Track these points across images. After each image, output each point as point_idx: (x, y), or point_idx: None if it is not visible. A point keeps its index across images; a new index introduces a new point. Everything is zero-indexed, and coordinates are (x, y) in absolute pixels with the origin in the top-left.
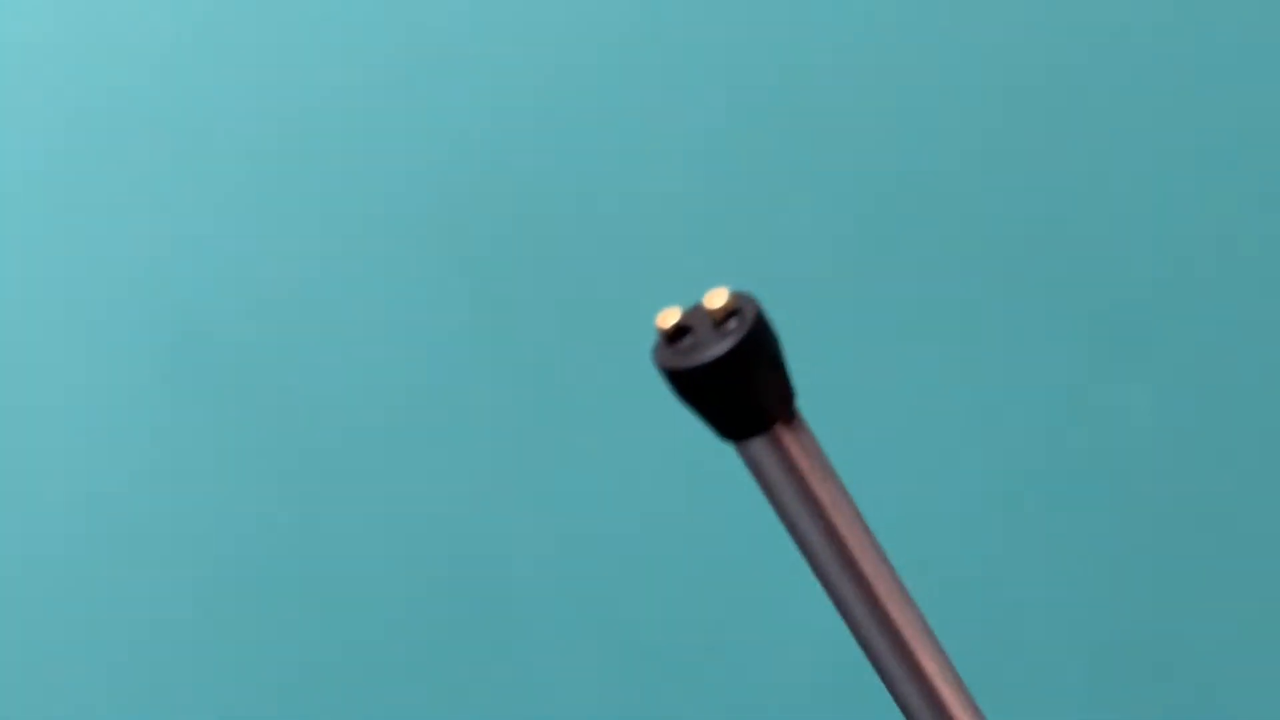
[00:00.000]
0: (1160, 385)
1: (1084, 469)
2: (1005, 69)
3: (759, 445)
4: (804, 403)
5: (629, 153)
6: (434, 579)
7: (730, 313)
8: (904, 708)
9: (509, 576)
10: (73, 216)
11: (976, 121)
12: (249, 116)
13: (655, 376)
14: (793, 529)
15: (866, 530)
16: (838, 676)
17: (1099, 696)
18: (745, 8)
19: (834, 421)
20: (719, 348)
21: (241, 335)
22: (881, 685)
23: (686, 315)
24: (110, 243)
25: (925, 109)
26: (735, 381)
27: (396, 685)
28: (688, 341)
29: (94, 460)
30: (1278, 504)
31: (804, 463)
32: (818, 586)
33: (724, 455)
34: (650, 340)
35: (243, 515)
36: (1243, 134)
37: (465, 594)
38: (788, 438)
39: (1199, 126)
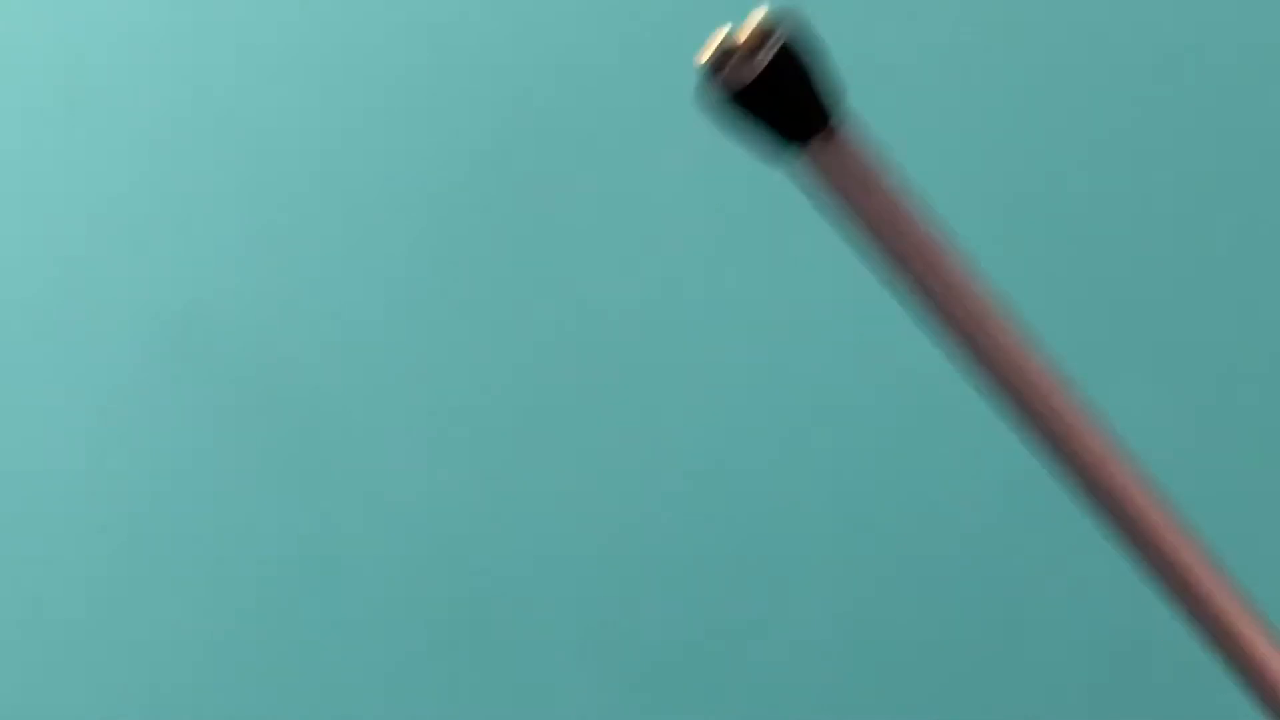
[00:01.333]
0: (1160, 385)
1: None
2: (1005, 64)
3: (818, 152)
4: (804, 397)
5: (628, 153)
6: (434, 579)
7: (764, 35)
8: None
9: (508, 576)
10: (73, 216)
11: (977, 120)
12: (249, 116)
13: (656, 375)
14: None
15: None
16: (839, 678)
17: (1099, 696)
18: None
19: (833, 420)
20: (748, 72)
21: (241, 335)
22: (882, 687)
23: (724, 44)
24: (110, 243)
25: (923, 103)
26: (779, 90)
27: (396, 685)
28: (728, 68)
29: (94, 460)
30: (1277, 503)
31: (868, 166)
32: (817, 587)
33: (724, 456)
34: (649, 337)
35: (242, 515)
36: (1243, 134)
37: (465, 594)
38: (844, 142)
39: (1200, 126)
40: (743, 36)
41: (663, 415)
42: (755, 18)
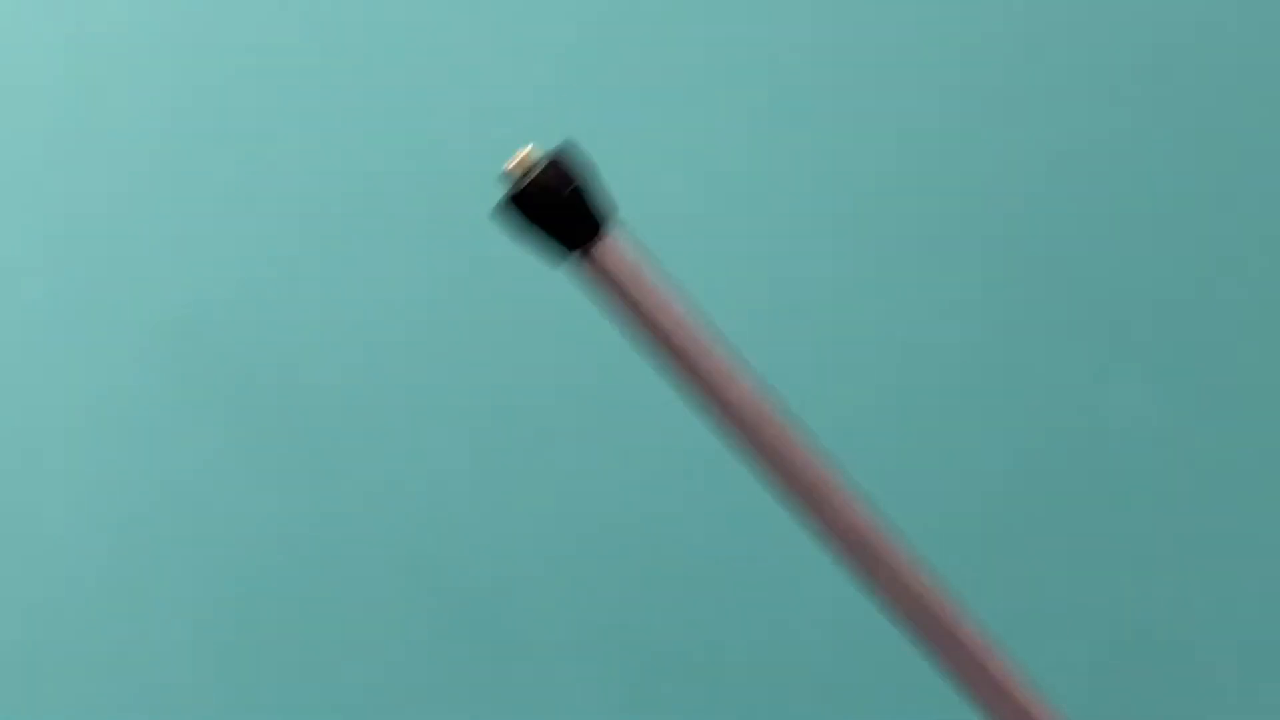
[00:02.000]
0: (1160, 385)
1: (1081, 468)
2: (1005, 66)
3: (582, 264)
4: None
5: (624, 152)
6: (433, 578)
7: (542, 156)
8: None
9: (509, 576)
10: (71, 217)
11: (977, 120)
12: (248, 117)
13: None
14: (645, 348)
15: (714, 337)
16: (840, 679)
17: (1098, 697)
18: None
19: (831, 419)
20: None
21: (241, 336)
22: (883, 688)
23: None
24: (108, 244)
25: (926, 106)
26: (533, 211)
27: (396, 685)
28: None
29: (93, 461)
30: (1275, 504)
31: (625, 273)
32: (818, 587)
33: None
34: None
35: (242, 515)
36: (1242, 134)
37: (463, 593)
38: (607, 254)
39: (1198, 127)
40: (527, 156)
41: (662, 415)
42: (531, 148)
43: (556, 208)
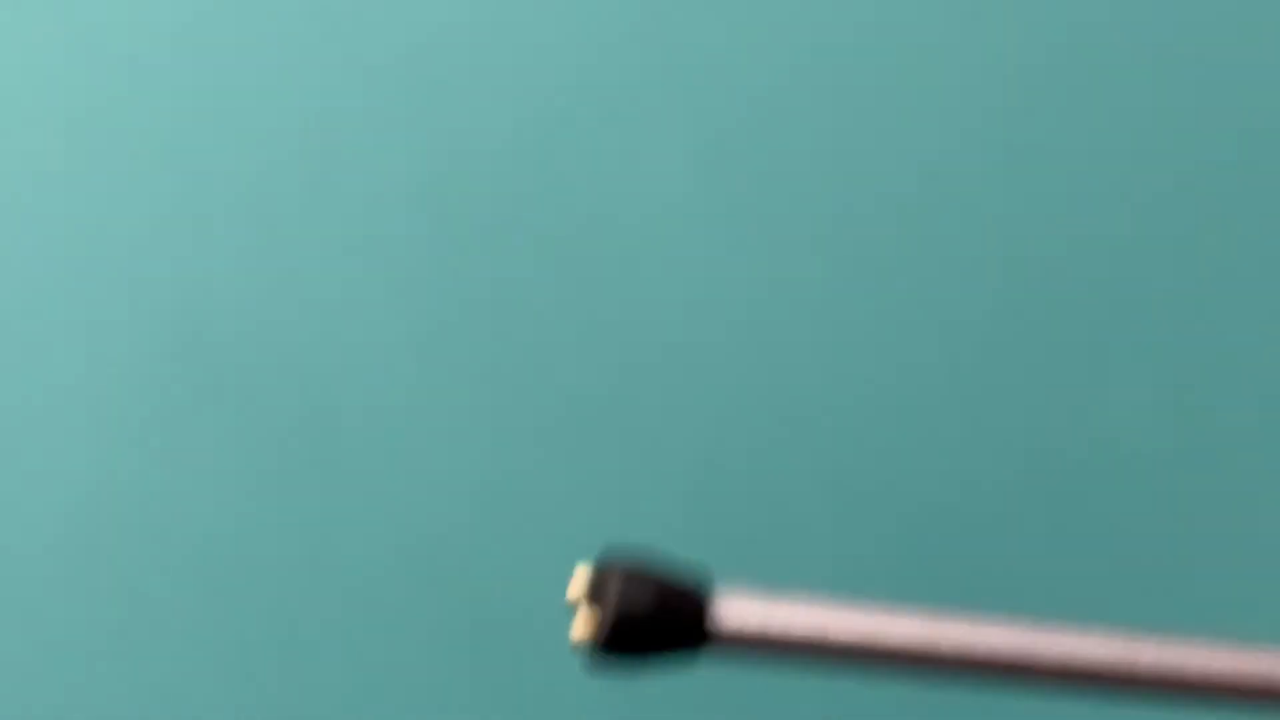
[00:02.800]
0: (1160, 385)
1: (1080, 468)
2: (1003, 67)
3: (716, 648)
4: (808, 402)
5: (623, 150)
6: (433, 578)
7: (594, 592)
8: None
9: (508, 576)
10: (72, 217)
11: (975, 121)
12: (248, 116)
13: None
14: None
15: (862, 613)
16: (839, 681)
17: (1097, 698)
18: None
19: (827, 418)
20: (596, 632)
21: (241, 336)
22: (882, 689)
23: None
24: (109, 243)
25: (923, 108)
26: (630, 647)
27: (395, 685)
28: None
29: (92, 462)
30: (1275, 504)
31: (769, 627)
32: (818, 586)
33: (722, 456)
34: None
35: (242, 516)
36: (1242, 134)
37: (464, 593)
38: (729, 633)
39: (1198, 126)
40: (580, 594)
41: (662, 413)
42: (581, 576)
43: (648, 639)
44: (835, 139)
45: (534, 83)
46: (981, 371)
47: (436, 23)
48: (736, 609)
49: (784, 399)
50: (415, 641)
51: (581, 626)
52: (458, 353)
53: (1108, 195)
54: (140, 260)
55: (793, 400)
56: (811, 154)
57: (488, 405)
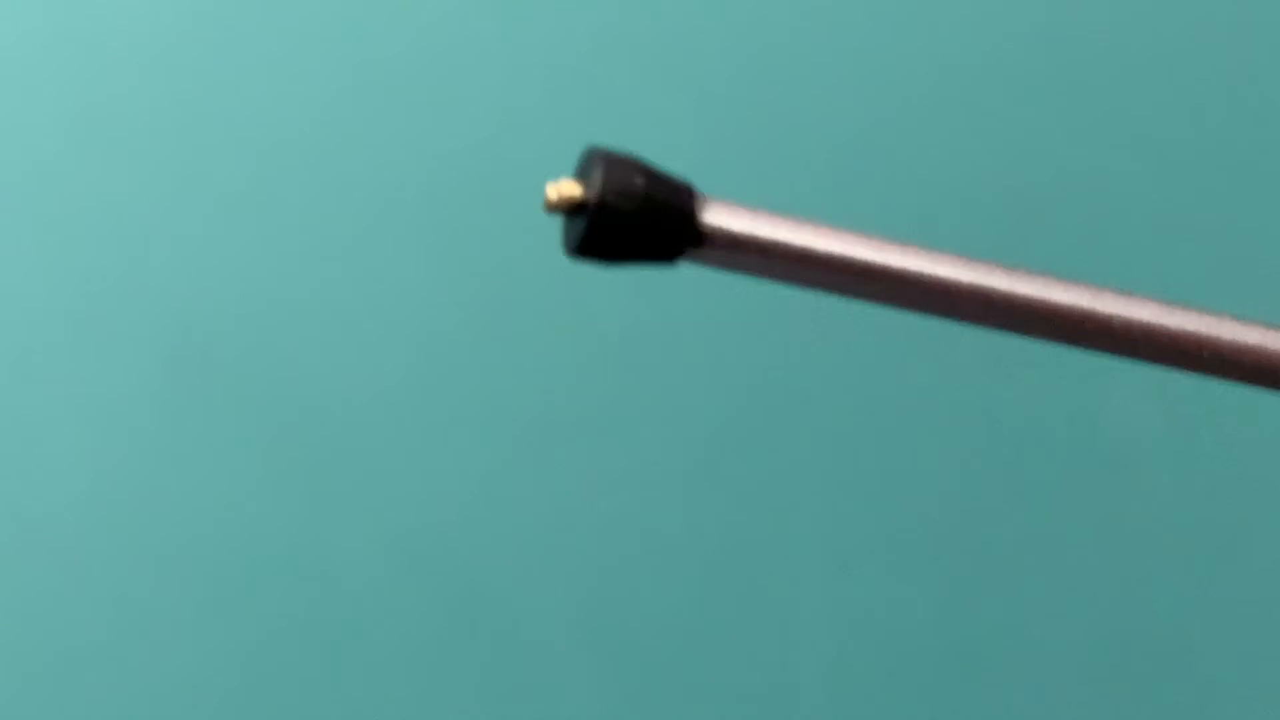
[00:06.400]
0: (1160, 387)
1: (1080, 468)
2: (996, 61)
3: (702, 254)
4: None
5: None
6: (433, 579)
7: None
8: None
9: (508, 576)
10: (72, 218)
11: (970, 118)
12: (247, 116)
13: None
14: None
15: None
16: (839, 681)
17: (1097, 697)
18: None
19: (825, 419)
20: (578, 233)
21: (241, 337)
22: (882, 688)
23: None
24: (108, 244)
25: (918, 103)
26: (613, 247)
27: (395, 685)
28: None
29: (92, 462)
30: (1274, 505)
31: (756, 232)
32: (818, 587)
33: (721, 455)
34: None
35: (242, 516)
36: (1242, 133)
37: (464, 593)
38: (717, 230)
39: (1197, 126)
40: (564, 193)
41: (661, 414)
42: (565, 181)
43: (636, 230)
44: (836, 139)
45: (534, 83)
46: (979, 370)
47: (437, 23)
48: (726, 211)
49: (780, 392)
50: (415, 641)
51: (559, 193)
52: (458, 353)
53: (1108, 194)
54: (140, 260)
55: (788, 395)
56: (811, 152)
57: (488, 405)
